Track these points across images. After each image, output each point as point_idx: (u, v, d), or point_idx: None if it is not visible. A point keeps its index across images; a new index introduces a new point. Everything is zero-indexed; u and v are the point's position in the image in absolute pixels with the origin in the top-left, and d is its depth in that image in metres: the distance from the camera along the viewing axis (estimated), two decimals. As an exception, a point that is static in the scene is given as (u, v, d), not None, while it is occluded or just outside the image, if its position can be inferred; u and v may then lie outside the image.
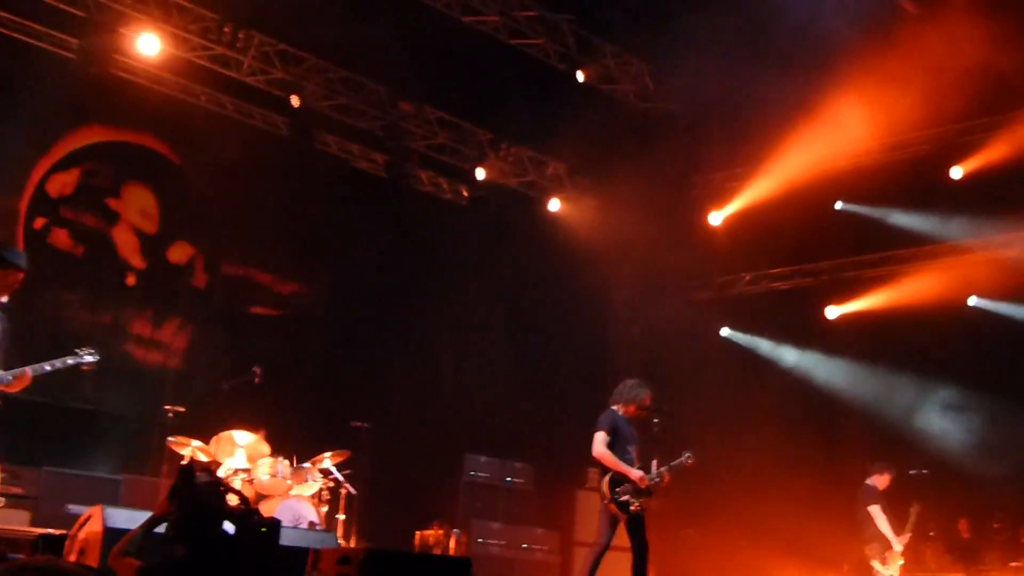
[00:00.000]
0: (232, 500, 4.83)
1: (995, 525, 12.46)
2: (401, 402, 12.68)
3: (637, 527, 8.30)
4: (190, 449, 9.28)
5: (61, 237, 11.73)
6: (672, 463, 8.51)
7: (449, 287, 13.89)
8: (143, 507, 6.85)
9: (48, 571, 4.25)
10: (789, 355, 14.49)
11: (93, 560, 6.10)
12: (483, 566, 10.49)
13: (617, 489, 8.30)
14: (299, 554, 6.37)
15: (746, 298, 15.18)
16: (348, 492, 10.07)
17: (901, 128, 12.54)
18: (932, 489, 11.57)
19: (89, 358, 7.39)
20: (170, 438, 9.40)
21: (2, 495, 8.61)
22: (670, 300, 13.88)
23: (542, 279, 14.26)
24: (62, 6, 11.11)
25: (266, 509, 8.65)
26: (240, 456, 9.37)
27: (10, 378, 6.86)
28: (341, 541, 9.26)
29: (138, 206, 12.42)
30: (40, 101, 11.06)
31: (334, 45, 12.35)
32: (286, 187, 12.73)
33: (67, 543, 6.56)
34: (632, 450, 8.53)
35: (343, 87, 13.07)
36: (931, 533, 11.96)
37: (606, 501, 8.33)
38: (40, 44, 11.41)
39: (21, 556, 6.24)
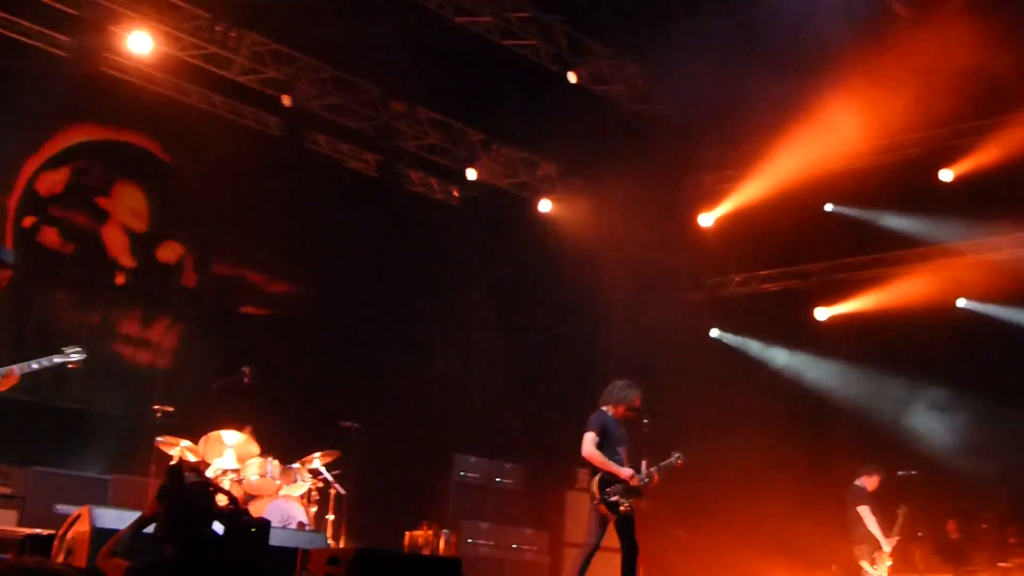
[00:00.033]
0: (221, 500, 4.83)
1: (983, 526, 12.50)
2: (391, 402, 12.67)
3: (626, 528, 8.31)
4: (179, 449, 9.27)
5: (51, 236, 11.68)
6: (662, 464, 8.53)
7: (439, 287, 13.88)
8: (132, 507, 6.83)
9: (37, 572, 4.25)
10: (779, 356, 14.52)
11: (81, 561, 6.08)
12: (473, 566, 10.49)
13: (607, 490, 8.31)
14: (288, 554, 6.37)
15: (736, 299, 15.21)
16: (337, 492, 10.06)
17: (892, 130, 12.58)
18: (921, 490, 11.60)
19: (76, 356, 7.41)
20: (159, 438, 9.38)
21: (-10, 495, 8.60)
22: (661, 301, 13.88)
23: (533, 280, 14.26)
24: (54, 4, 11.07)
25: (255, 509, 8.64)
26: (229, 456, 9.35)
27: (-1, 376, 6.85)
28: (330, 541, 9.25)
29: (128, 205, 12.38)
30: (31, 99, 11.01)
31: (326, 45, 12.33)
32: (277, 187, 12.70)
33: (55, 543, 6.54)
34: (621, 451, 8.54)
35: (335, 87, 13.05)
36: (920, 534, 11.99)
37: (596, 502, 8.34)
38: (31, 42, 11.36)
39: (9, 556, 6.23)
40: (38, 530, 7.24)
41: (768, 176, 13.20)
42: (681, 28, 11.54)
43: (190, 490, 4.70)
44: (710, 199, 14.51)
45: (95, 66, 11.26)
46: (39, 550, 6.44)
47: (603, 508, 8.31)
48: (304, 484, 9.52)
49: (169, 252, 12.69)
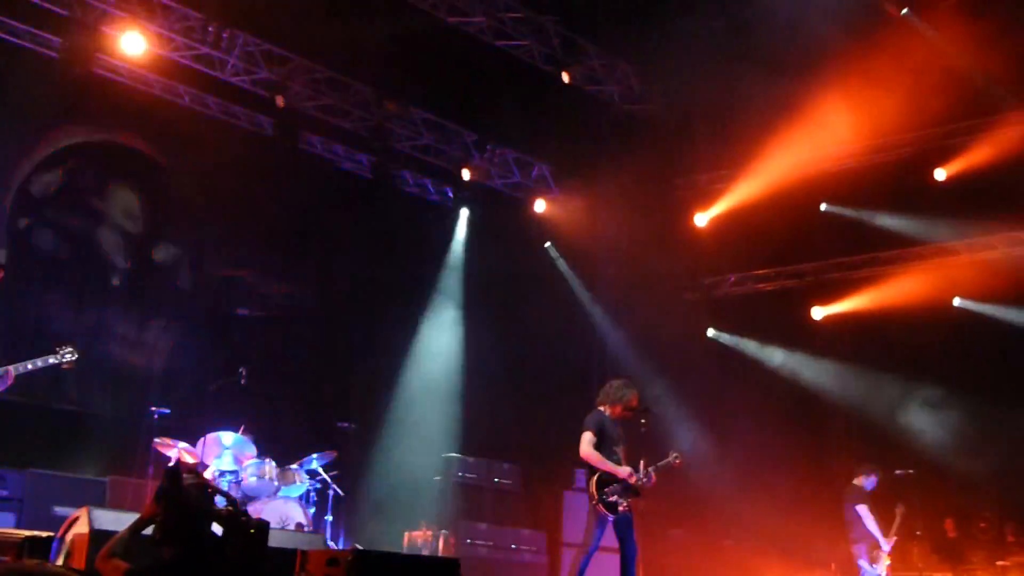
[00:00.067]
0: (219, 502, 4.82)
1: (981, 524, 12.54)
2: (388, 403, 12.66)
3: (625, 528, 8.31)
4: (176, 451, 9.25)
5: (45, 237, 11.66)
6: (659, 463, 8.52)
7: (433, 288, 13.88)
8: (130, 509, 6.82)
9: (36, 574, 4.24)
10: (775, 355, 14.53)
11: (80, 563, 6.07)
12: (471, 567, 10.47)
13: (605, 490, 8.30)
14: (287, 556, 6.36)
15: (732, 299, 15.22)
16: (336, 493, 10.05)
17: (885, 130, 12.61)
18: (918, 489, 11.62)
19: (69, 356, 7.47)
20: (156, 439, 9.36)
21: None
22: (656, 301, 13.89)
23: (527, 280, 14.25)
24: (45, 5, 11.03)
25: (253, 511, 8.63)
26: (227, 458, 9.34)
27: (-6, 377, 6.85)
28: (329, 543, 9.24)
29: (122, 206, 12.35)
30: (23, 100, 10.98)
31: (319, 45, 12.31)
32: (271, 188, 12.68)
33: (54, 545, 6.52)
34: (619, 450, 8.53)
35: (328, 87, 13.03)
36: (918, 532, 12.01)
37: (594, 502, 8.33)
38: (23, 43, 11.32)
39: (8, 558, 6.20)
40: (36, 532, 7.21)
41: (762, 176, 13.21)
42: (674, 28, 11.58)
43: (188, 492, 4.69)
44: (705, 199, 14.52)
45: (87, 67, 11.21)
46: (38, 552, 6.41)
47: (602, 508, 8.30)
48: (302, 485, 9.51)
49: (164, 253, 12.66)
